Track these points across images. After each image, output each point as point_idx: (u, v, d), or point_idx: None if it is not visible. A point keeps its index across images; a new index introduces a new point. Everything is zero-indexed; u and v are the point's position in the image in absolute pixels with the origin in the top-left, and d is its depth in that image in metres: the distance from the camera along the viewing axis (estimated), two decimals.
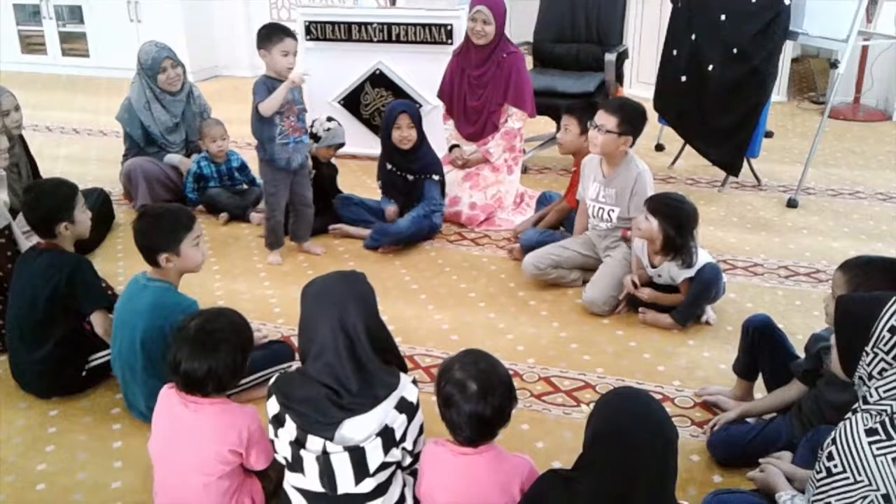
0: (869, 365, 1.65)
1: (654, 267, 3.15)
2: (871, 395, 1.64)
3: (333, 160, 4.20)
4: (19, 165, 3.82)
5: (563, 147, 3.77)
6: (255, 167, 4.54)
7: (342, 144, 4.15)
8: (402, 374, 1.97)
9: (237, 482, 2.05)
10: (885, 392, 1.62)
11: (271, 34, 3.45)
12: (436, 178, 3.95)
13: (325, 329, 1.88)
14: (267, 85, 3.47)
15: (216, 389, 2.03)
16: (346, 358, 1.87)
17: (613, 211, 3.33)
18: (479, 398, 1.77)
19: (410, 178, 3.95)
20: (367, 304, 1.97)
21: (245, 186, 4.46)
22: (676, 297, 3.12)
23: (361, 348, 1.89)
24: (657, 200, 3.06)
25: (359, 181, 4.64)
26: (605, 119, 3.23)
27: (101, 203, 4.04)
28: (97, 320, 2.67)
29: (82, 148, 5.69)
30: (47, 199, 2.71)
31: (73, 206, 2.73)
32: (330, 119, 4.11)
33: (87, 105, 6.91)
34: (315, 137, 3.97)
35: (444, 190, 4.06)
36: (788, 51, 6.10)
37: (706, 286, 3.05)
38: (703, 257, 3.07)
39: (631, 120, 3.23)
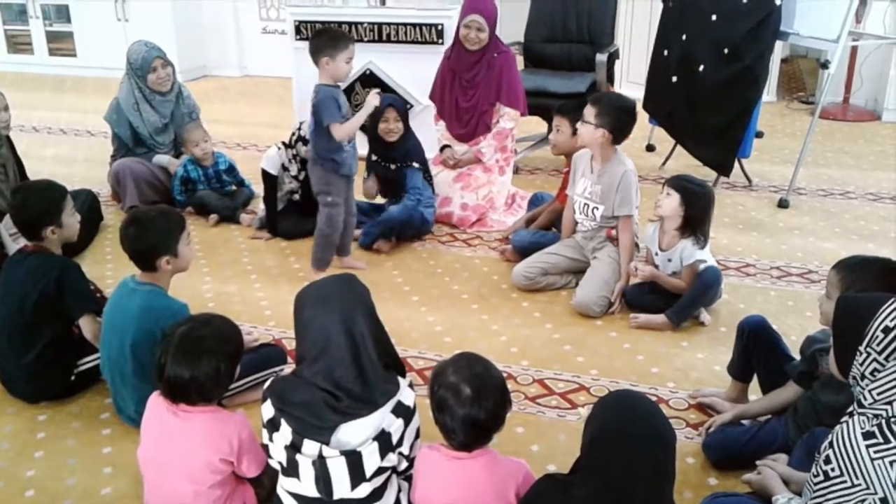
0: (862, 365, 1.64)
1: (663, 251, 3.16)
2: (865, 398, 1.64)
3: None
4: (6, 166, 3.76)
5: (556, 148, 3.75)
6: (243, 168, 4.53)
7: None
8: (401, 379, 1.95)
9: (229, 490, 2.02)
10: (878, 394, 1.62)
11: (337, 41, 3.29)
12: (416, 165, 3.93)
13: (327, 333, 1.86)
14: (334, 97, 3.32)
15: (200, 398, 2.00)
16: (348, 362, 1.85)
17: (598, 209, 3.33)
18: (472, 402, 1.75)
19: (392, 167, 3.93)
20: (369, 307, 1.96)
21: (234, 188, 4.43)
22: (676, 281, 3.13)
23: (366, 354, 1.87)
24: (680, 178, 3.14)
25: None
26: (587, 110, 3.27)
27: (89, 205, 4.00)
28: (85, 325, 2.63)
29: (70, 148, 5.64)
30: (35, 202, 2.67)
31: (61, 209, 2.69)
32: None
33: (75, 105, 6.85)
34: (304, 141, 3.92)
35: (431, 180, 4.04)
36: (777, 51, 6.11)
37: (706, 288, 3.07)
38: (708, 258, 3.10)
39: (608, 112, 3.21)
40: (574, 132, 3.59)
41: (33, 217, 2.66)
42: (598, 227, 3.37)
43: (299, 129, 3.93)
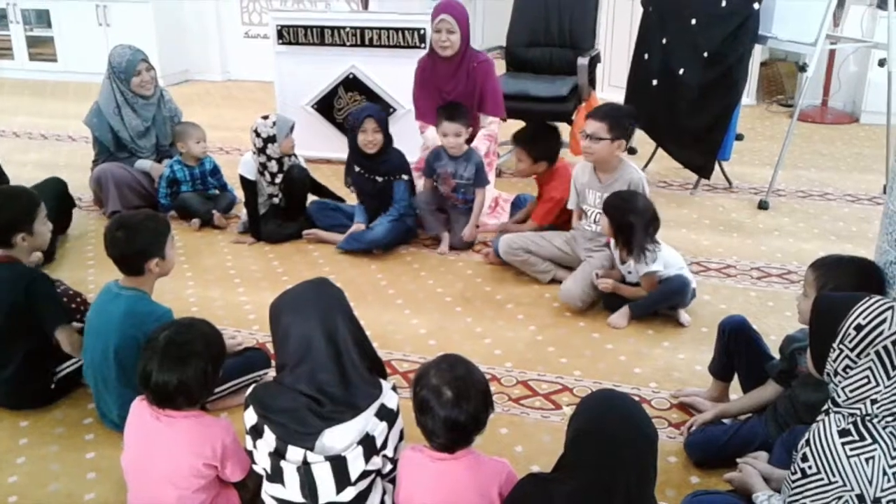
0: (835, 361, 1.67)
1: (623, 263, 3.21)
2: (839, 395, 1.67)
3: (302, 162, 4.12)
4: None
5: (521, 174, 3.86)
6: (226, 173, 4.51)
7: (293, 125, 4.02)
8: (383, 382, 1.96)
9: (213, 494, 2.02)
10: (850, 392, 1.65)
11: None
12: (405, 177, 3.92)
13: (308, 339, 1.86)
14: None
15: (187, 403, 2.00)
16: (331, 367, 1.86)
17: None
18: (454, 405, 1.76)
19: (379, 179, 3.91)
20: (346, 310, 1.97)
21: (217, 191, 4.41)
22: (636, 290, 3.18)
23: (348, 357, 1.88)
24: (608, 198, 3.17)
25: (333, 186, 4.60)
26: (595, 127, 3.27)
27: (58, 192, 3.90)
28: (62, 338, 2.58)
29: (51, 154, 5.60)
30: (6, 209, 2.63)
31: (34, 217, 2.66)
32: (265, 118, 3.94)
33: (56, 110, 6.80)
34: (272, 139, 3.89)
35: (414, 189, 4.04)
36: (757, 54, 6.18)
37: (670, 293, 3.13)
38: (676, 262, 3.14)
39: (619, 123, 3.28)
40: (534, 160, 3.66)
41: (4, 224, 2.61)
42: (602, 234, 3.39)
43: (258, 135, 3.86)
